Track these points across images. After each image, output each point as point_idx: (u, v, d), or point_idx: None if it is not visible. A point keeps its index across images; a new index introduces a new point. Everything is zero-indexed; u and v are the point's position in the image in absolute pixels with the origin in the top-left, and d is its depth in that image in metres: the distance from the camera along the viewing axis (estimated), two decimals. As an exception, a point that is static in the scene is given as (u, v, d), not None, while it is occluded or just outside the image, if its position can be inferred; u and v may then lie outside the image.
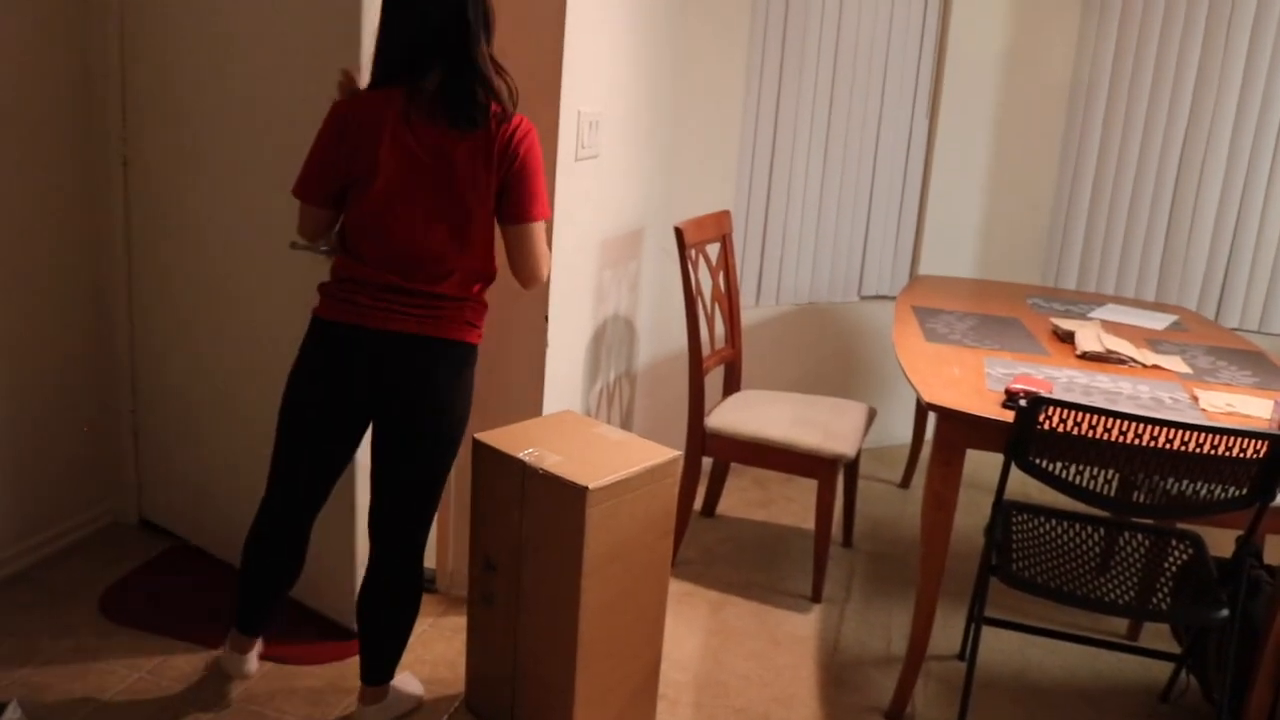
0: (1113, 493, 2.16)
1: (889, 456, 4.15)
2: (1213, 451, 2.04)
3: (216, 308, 2.82)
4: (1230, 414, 2.38)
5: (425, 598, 2.80)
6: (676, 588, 3.00)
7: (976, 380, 2.49)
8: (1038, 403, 2.12)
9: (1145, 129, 4.04)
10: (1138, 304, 3.55)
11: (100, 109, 2.80)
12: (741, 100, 3.59)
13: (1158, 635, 2.92)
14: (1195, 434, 2.03)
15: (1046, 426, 2.13)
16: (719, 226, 3.26)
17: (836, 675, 2.64)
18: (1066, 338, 2.93)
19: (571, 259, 2.72)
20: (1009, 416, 2.23)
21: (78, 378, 2.88)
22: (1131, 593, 2.25)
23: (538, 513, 2.13)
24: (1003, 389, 2.41)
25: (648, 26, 3.05)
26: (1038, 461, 2.19)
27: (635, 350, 3.44)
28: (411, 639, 2.62)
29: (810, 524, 3.48)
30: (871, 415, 3.19)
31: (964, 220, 4.18)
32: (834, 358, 4.10)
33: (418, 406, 2.04)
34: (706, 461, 3.70)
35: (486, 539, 2.26)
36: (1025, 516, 2.51)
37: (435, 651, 2.59)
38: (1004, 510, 2.37)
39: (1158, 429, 2.05)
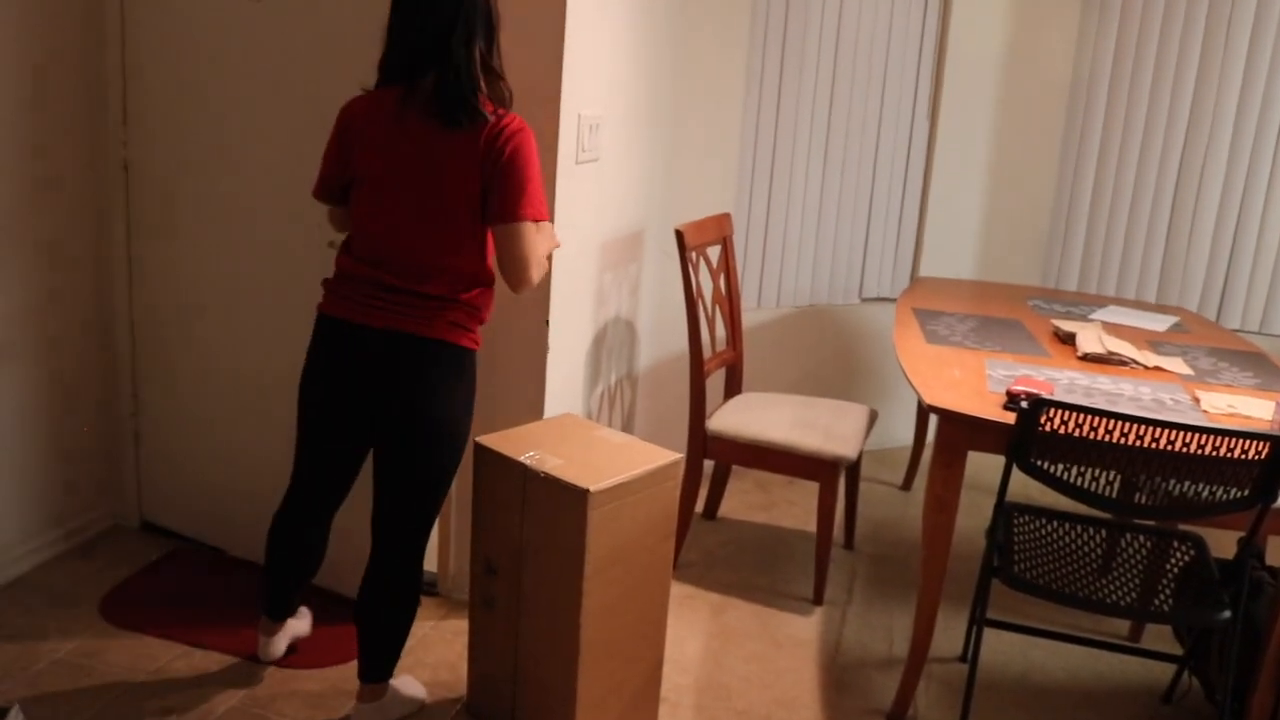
0: (1114, 494, 2.16)
1: (890, 459, 4.15)
2: (1214, 453, 2.04)
3: (218, 309, 2.82)
4: (1231, 415, 2.38)
5: (426, 601, 2.80)
6: (678, 590, 3.00)
7: (978, 382, 2.49)
8: (1039, 404, 2.12)
9: (1146, 129, 4.04)
10: (1139, 305, 3.55)
11: (101, 112, 2.80)
12: (741, 102, 3.59)
13: (1160, 637, 2.92)
14: (1197, 435, 2.03)
15: (1048, 428, 2.13)
16: (719, 229, 3.26)
17: (838, 677, 2.64)
18: (1067, 339, 2.93)
19: (572, 262, 2.72)
20: (1010, 418, 2.23)
21: (79, 381, 2.88)
22: (1133, 594, 2.25)
23: (539, 516, 2.13)
24: (1004, 391, 2.41)
25: (648, 28, 3.05)
26: (1039, 463, 2.19)
27: (636, 353, 3.44)
28: (413, 642, 2.62)
29: (812, 526, 3.48)
30: (873, 417, 3.19)
31: (964, 222, 4.18)
32: (835, 360, 4.10)
33: (405, 406, 2.05)
34: (708, 464, 3.70)
35: (488, 542, 2.26)
36: (1027, 518, 2.50)
37: (436, 654, 2.59)
38: (1005, 512, 2.37)
39: (1159, 430, 2.04)
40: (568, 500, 2.06)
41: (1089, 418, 2.09)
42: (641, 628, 2.25)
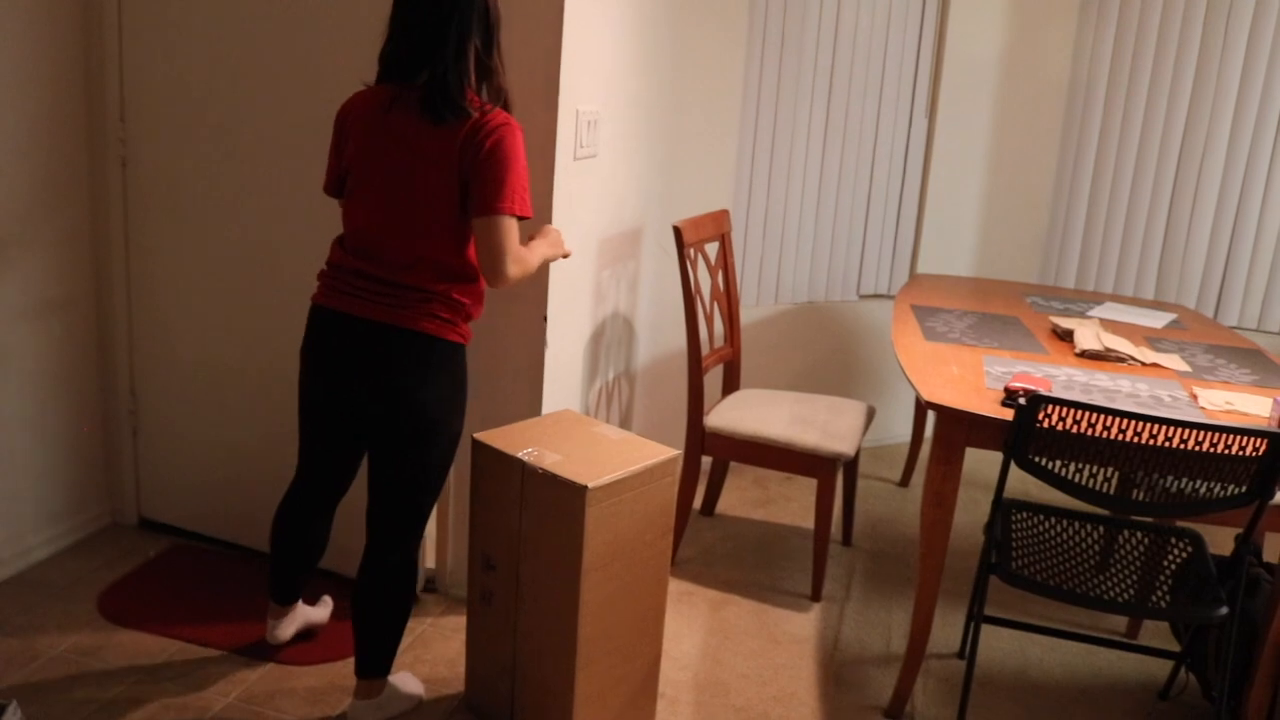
0: (1112, 491, 2.16)
1: (888, 455, 4.15)
2: (1212, 449, 2.04)
3: (215, 305, 2.82)
4: (1229, 412, 2.38)
5: (425, 597, 2.81)
6: (676, 587, 3.00)
7: (976, 379, 2.49)
8: (1037, 401, 2.12)
9: (1144, 127, 4.04)
10: (1137, 302, 3.55)
11: (99, 109, 2.80)
12: (740, 98, 3.59)
13: (1157, 633, 2.92)
14: (1194, 432, 2.04)
15: (1046, 425, 2.13)
16: (718, 225, 3.26)
17: (836, 674, 2.64)
18: (1065, 336, 2.93)
19: (570, 259, 2.72)
20: (1008, 415, 2.23)
21: (76, 378, 2.88)
22: (1131, 591, 2.26)
23: (537, 512, 2.14)
24: (1002, 387, 2.41)
25: (646, 25, 3.05)
26: (1037, 460, 2.19)
27: (634, 349, 3.44)
28: (411, 638, 2.62)
29: (809, 523, 3.49)
30: (870, 414, 3.19)
31: (963, 219, 4.18)
32: (833, 357, 4.10)
33: (388, 397, 2.06)
34: (706, 460, 3.70)
35: (486, 538, 2.26)
36: (1025, 514, 2.51)
37: (435, 650, 2.59)
38: (1003, 508, 2.37)
39: (1157, 427, 2.05)
40: (566, 496, 2.06)
41: (1087, 414, 2.09)
42: (639, 624, 2.25)
